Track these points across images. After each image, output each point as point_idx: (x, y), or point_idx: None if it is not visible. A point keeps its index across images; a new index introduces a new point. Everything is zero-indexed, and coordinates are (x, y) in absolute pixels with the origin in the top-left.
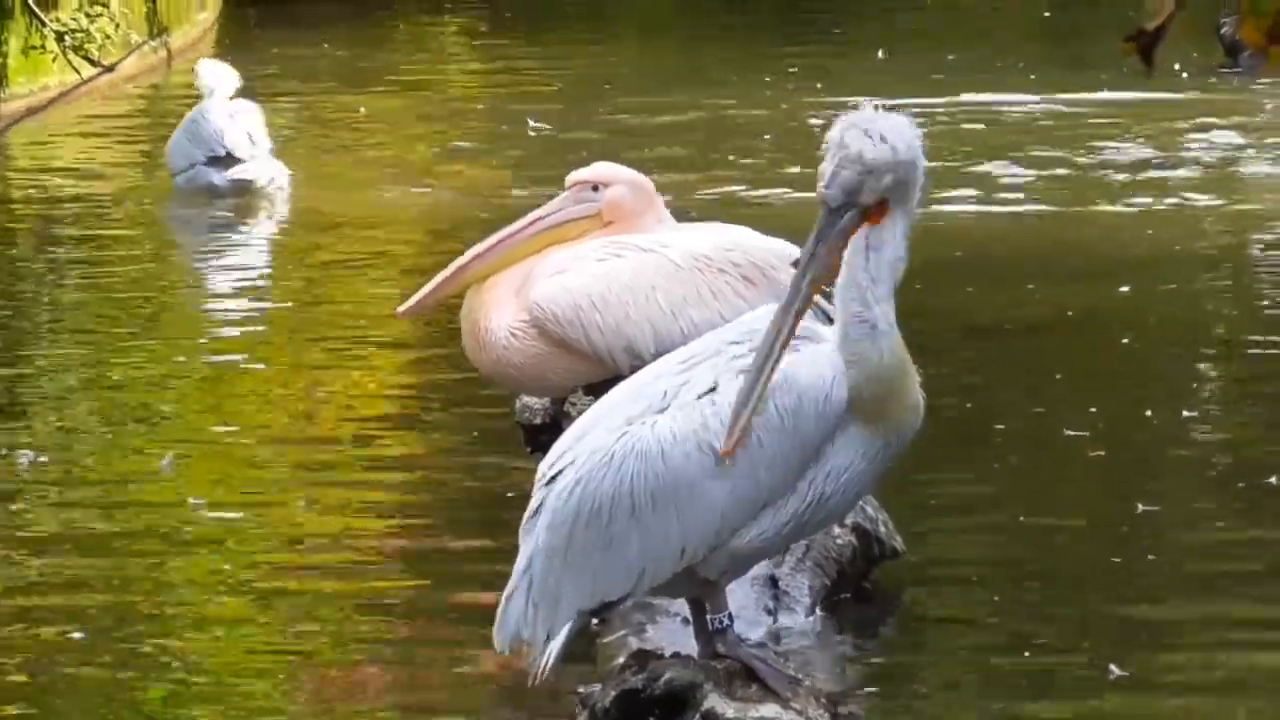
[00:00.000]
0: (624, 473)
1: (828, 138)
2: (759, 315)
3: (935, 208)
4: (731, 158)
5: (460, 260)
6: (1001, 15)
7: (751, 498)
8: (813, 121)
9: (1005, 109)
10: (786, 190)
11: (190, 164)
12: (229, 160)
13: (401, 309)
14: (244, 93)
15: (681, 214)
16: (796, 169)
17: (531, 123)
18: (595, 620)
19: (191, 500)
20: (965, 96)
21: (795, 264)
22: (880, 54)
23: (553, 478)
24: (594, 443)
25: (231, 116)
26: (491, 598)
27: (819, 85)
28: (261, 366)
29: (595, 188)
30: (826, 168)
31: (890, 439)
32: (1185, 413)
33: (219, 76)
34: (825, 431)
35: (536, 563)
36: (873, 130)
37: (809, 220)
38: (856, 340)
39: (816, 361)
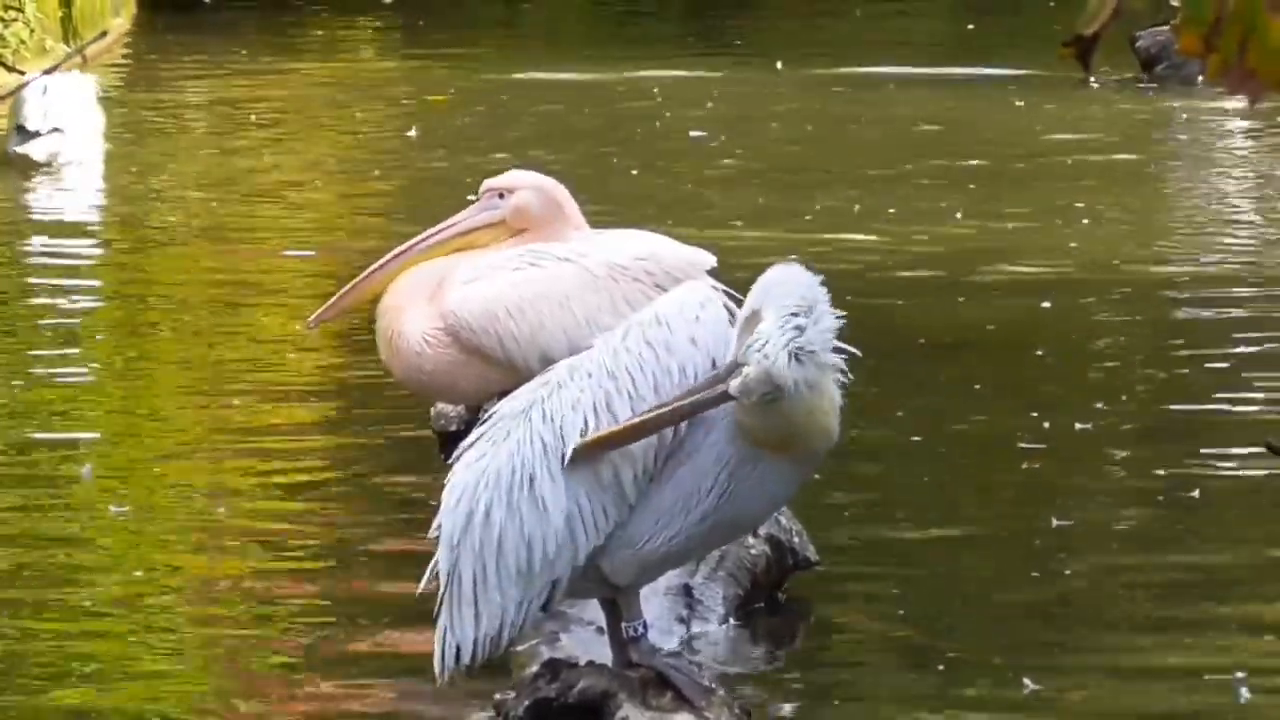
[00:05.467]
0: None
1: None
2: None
3: (854, 219)
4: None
5: (370, 269)
6: (921, 28)
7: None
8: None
9: (910, 119)
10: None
11: (7, 132)
12: (26, 133)
13: (311, 319)
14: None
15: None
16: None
17: (413, 134)
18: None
19: (113, 508)
20: (868, 110)
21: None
22: (779, 65)
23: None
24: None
25: (44, 92)
26: (401, 593)
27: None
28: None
29: (502, 194)
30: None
31: (799, 464)
32: (1105, 428)
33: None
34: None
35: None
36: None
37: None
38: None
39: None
